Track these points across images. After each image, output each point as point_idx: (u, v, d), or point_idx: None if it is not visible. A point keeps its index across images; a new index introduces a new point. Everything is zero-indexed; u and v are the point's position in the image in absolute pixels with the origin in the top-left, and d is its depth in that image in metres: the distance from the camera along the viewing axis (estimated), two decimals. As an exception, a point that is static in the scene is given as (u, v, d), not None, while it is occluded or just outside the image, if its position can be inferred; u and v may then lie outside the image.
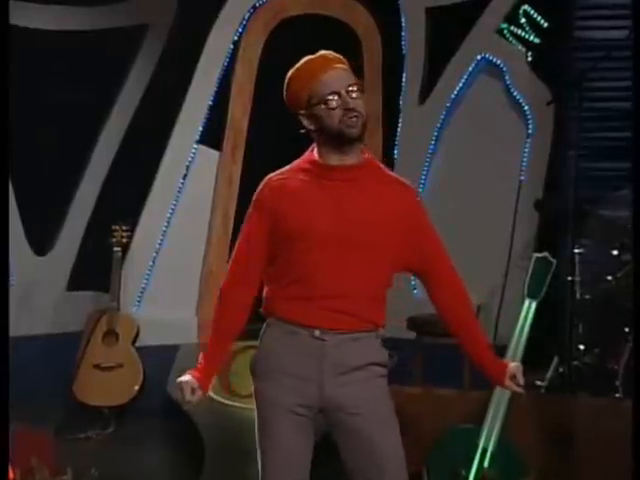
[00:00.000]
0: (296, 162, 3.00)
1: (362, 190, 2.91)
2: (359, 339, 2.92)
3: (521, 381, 3.03)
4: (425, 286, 3.05)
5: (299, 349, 2.90)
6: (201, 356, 3.00)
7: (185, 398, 2.94)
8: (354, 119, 2.86)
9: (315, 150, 2.96)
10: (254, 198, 3.00)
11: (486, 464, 4.22)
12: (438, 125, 6.66)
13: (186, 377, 2.95)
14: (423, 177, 6.63)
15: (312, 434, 2.96)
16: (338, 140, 2.89)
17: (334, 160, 2.92)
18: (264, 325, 3.00)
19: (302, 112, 2.91)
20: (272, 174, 3.00)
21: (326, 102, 2.86)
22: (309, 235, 2.87)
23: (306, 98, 2.89)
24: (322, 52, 2.95)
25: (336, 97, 2.86)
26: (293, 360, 2.90)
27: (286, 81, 2.95)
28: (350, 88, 2.87)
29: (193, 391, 2.94)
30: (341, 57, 2.95)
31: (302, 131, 2.95)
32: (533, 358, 4.45)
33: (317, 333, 2.89)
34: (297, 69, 2.94)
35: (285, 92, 2.96)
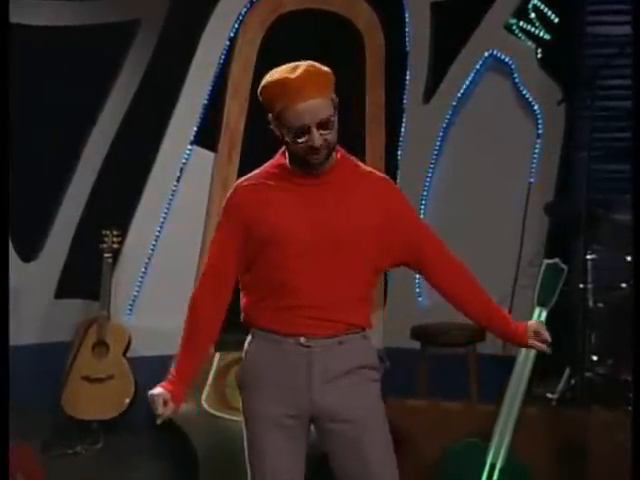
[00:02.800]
0: (265, 166, 3.00)
1: (336, 192, 2.92)
2: (345, 342, 2.94)
3: (546, 336, 3.04)
4: (423, 275, 3.08)
5: (285, 358, 2.93)
6: (172, 368, 3.04)
7: (157, 411, 2.96)
8: (317, 154, 2.84)
9: (286, 153, 2.95)
10: (224, 205, 3.00)
11: (494, 481, 4.21)
12: (443, 125, 6.65)
13: (158, 389, 2.99)
14: (428, 179, 6.62)
15: (304, 446, 2.97)
16: (301, 162, 2.89)
17: (304, 166, 2.92)
18: (248, 336, 3.02)
19: (272, 118, 2.88)
20: (241, 179, 3.01)
21: (293, 133, 2.83)
22: (285, 242, 2.88)
23: (276, 111, 2.85)
24: (304, 68, 2.85)
25: (304, 132, 2.82)
26: (279, 370, 2.93)
27: (260, 86, 2.90)
28: (321, 122, 2.82)
29: (165, 404, 2.96)
30: (324, 76, 2.87)
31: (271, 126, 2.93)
32: (543, 369, 4.44)
33: (302, 340, 2.92)
34: (274, 81, 2.85)
35: (259, 94, 2.92)
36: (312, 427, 2.99)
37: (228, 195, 3.00)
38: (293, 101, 2.81)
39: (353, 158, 3.02)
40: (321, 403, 2.92)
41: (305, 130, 2.82)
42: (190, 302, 3.03)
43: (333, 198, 2.91)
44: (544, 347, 3.07)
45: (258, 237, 2.91)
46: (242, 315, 3.02)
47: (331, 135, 2.86)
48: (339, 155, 2.96)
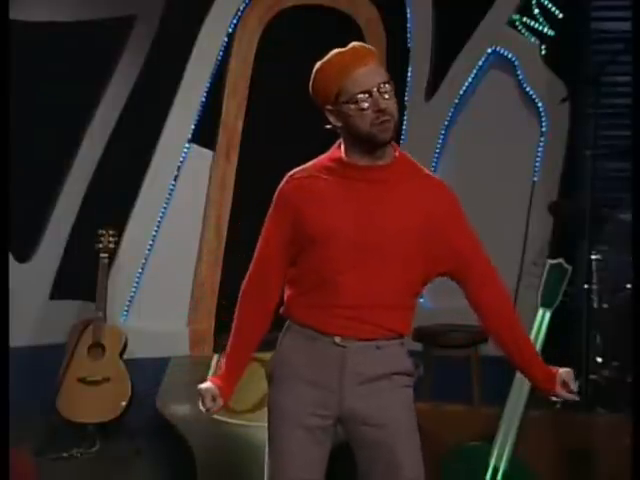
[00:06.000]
0: (320, 158, 3.00)
1: (391, 193, 2.91)
2: (382, 347, 2.93)
3: (574, 387, 3.04)
4: (464, 290, 3.04)
5: (319, 356, 2.92)
6: (222, 362, 3.04)
7: (205, 406, 2.98)
8: (386, 123, 2.85)
9: (342, 147, 2.95)
10: (276, 195, 3.00)
11: (497, 484, 4.22)
12: (446, 123, 6.67)
13: (207, 384, 3.00)
14: (430, 178, 6.63)
15: (328, 446, 2.97)
16: (367, 143, 2.88)
17: (362, 160, 2.92)
18: (284, 328, 3.02)
19: (329, 108, 2.91)
20: (294, 170, 3.00)
21: (357, 102, 2.85)
22: (332, 240, 2.87)
23: (334, 94, 2.88)
24: (354, 44, 2.94)
25: (367, 96, 2.85)
26: (312, 367, 2.93)
27: (314, 73, 2.95)
28: (382, 87, 2.87)
29: (214, 399, 2.98)
30: (373, 50, 2.95)
31: (328, 127, 2.94)
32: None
33: (338, 340, 2.91)
34: (327, 61, 2.92)
35: (312, 84, 2.95)
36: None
37: (280, 185, 3.00)
38: (350, 69, 2.86)
39: (412, 158, 3.01)
40: (351, 406, 2.91)
41: (368, 95, 2.85)
42: (239, 297, 3.04)
43: (386, 198, 2.90)
44: (574, 397, 3.05)
45: (304, 231, 2.91)
46: (283, 307, 3.01)
47: (393, 103, 2.88)
48: (397, 153, 2.96)
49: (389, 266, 2.88)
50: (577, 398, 3.07)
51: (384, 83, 2.87)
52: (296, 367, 2.94)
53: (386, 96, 2.87)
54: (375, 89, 2.86)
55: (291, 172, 2.99)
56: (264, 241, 3.00)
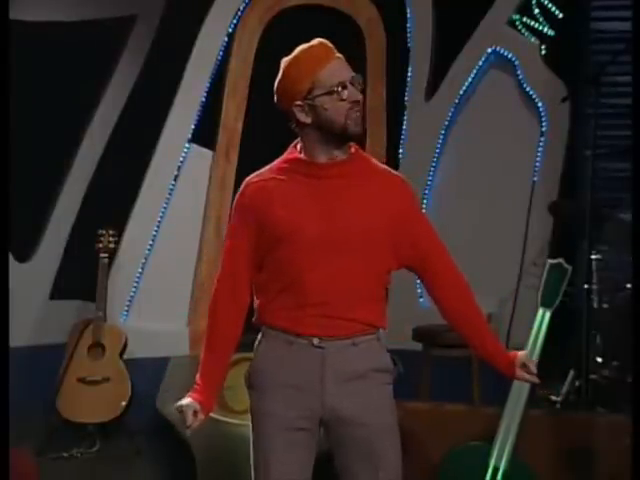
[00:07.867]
0: (275, 162, 2.99)
1: (351, 188, 2.91)
2: (358, 344, 2.93)
3: (533, 369, 3.06)
4: (423, 282, 3.06)
5: (297, 359, 2.91)
6: (197, 376, 3.00)
7: (187, 422, 2.93)
8: (359, 115, 2.86)
9: (298, 147, 2.95)
10: (235, 203, 3.00)
11: (497, 484, 4.22)
12: (446, 123, 6.66)
13: (186, 400, 2.95)
14: (430, 178, 6.63)
15: (313, 449, 2.97)
16: (339, 136, 2.88)
17: (321, 157, 2.91)
18: (259, 335, 3.01)
19: (299, 103, 2.89)
20: (250, 177, 2.99)
21: (336, 93, 2.85)
22: (296, 239, 2.87)
23: (307, 88, 2.87)
24: (319, 40, 2.93)
25: (343, 88, 2.85)
26: (291, 371, 2.92)
27: (283, 69, 2.93)
28: (354, 78, 2.88)
29: (195, 414, 2.94)
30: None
31: (290, 124, 2.94)
32: (548, 371, 4.44)
33: (316, 341, 2.90)
34: (296, 57, 2.91)
35: (280, 81, 2.93)
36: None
37: (238, 193, 2.99)
38: (325, 62, 2.86)
39: (367, 154, 3.02)
40: (334, 406, 2.91)
41: (343, 87, 2.85)
42: (209, 308, 3.03)
43: (345, 193, 2.90)
44: (534, 379, 3.09)
45: (268, 234, 2.90)
46: (255, 315, 3.00)
47: (362, 95, 2.89)
48: (353, 149, 2.96)
49: (355, 261, 2.88)
50: (536, 380, 3.09)
51: (354, 75, 2.88)
52: (275, 373, 2.93)
53: (358, 88, 2.88)
54: (348, 81, 2.86)
55: (247, 178, 2.98)
56: (228, 250, 2.98)
